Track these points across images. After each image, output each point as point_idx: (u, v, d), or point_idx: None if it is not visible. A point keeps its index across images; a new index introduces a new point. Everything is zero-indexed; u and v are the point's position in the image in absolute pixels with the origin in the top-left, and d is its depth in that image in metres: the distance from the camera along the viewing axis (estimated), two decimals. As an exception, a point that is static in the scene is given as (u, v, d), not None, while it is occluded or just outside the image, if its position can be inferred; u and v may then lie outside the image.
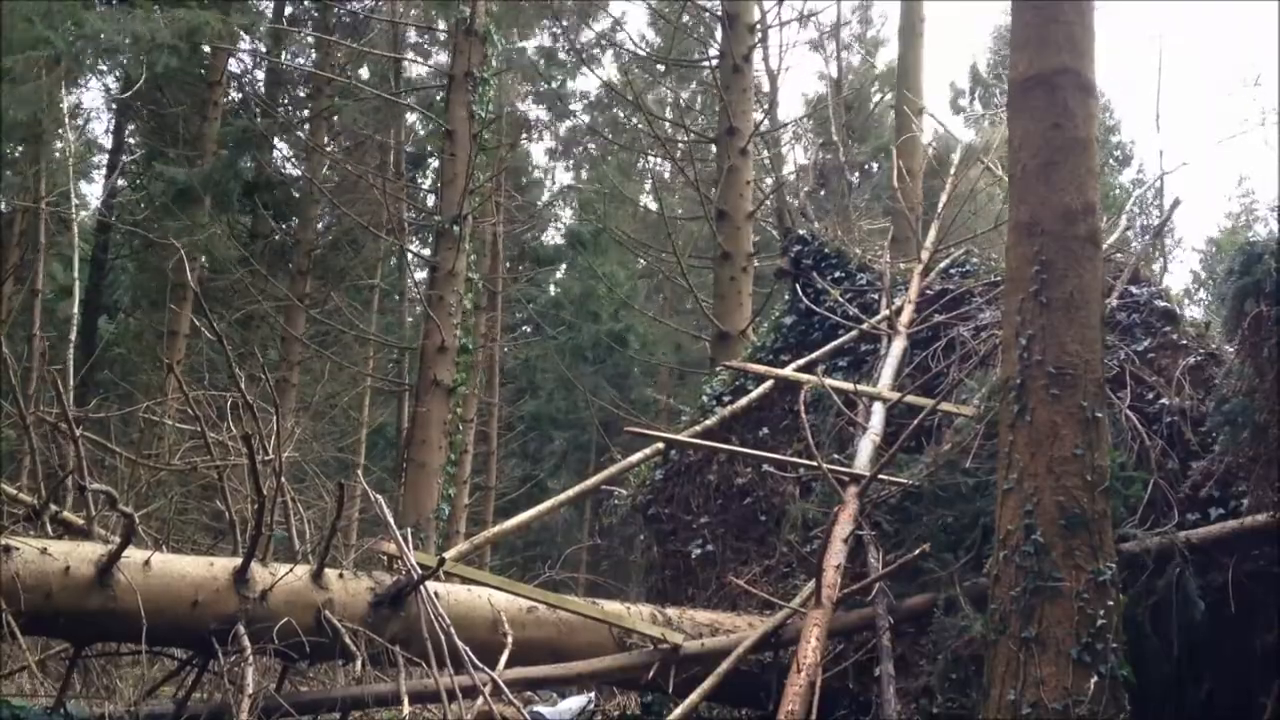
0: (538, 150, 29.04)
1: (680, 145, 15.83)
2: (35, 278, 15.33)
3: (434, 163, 20.11)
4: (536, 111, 25.44)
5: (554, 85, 23.24)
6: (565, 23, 20.07)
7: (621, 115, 24.13)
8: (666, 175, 24.00)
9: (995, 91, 28.20)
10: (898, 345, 7.46)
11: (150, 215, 16.96)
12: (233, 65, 19.53)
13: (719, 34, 13.26)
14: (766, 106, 15.84)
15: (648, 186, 26.37)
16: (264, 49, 19.22)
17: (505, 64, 15.51)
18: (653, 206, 21.52)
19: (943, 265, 8.36)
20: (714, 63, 13.17)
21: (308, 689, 5.67)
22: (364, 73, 20.47)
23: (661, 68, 20.90)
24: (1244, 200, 33.01)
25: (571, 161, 29.05)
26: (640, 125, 18.13)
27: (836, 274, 8.47)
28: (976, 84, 31.11)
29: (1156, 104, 16.86)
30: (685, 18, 17.29)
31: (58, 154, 17.06)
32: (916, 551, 5.40)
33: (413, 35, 20.34)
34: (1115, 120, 29.95)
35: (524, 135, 23.83)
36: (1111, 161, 28.32)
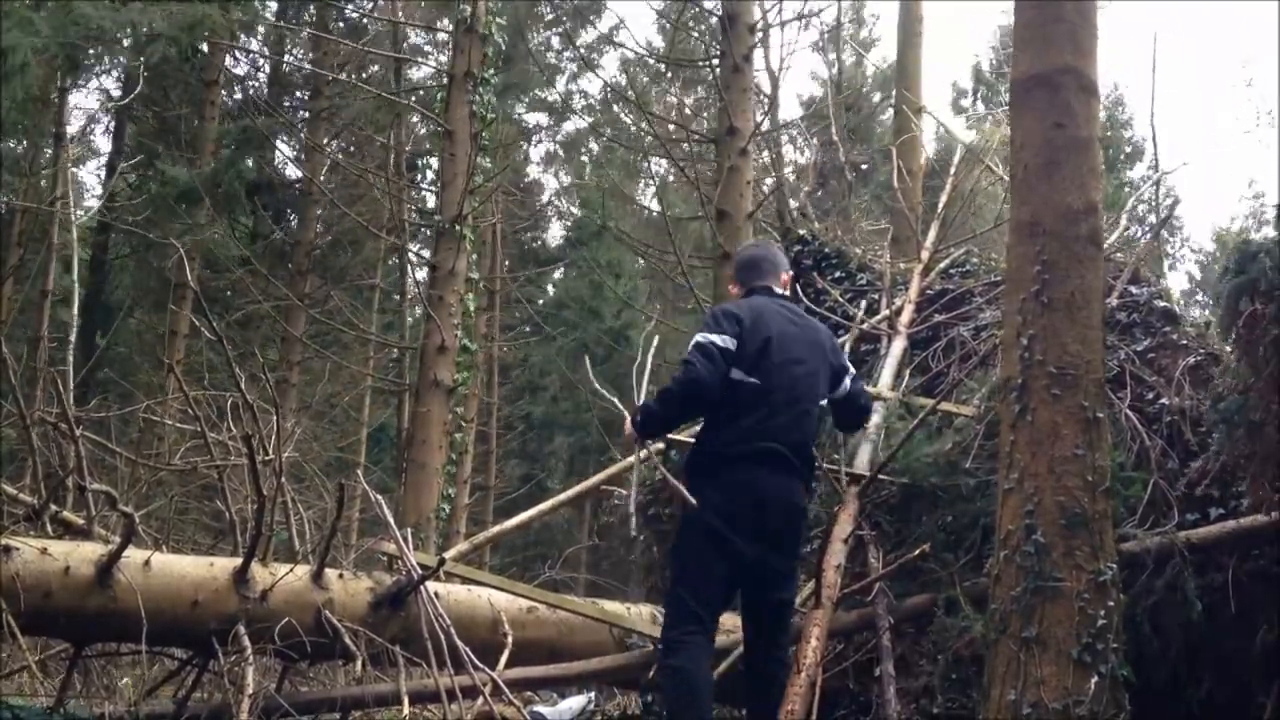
0: (536, 153, 29.04)
1: (682, 147, 15.81)
2: (45, 279, 15.31)
3: (433, 162, 20.08)
4: (537, 117, 25.40)
5: (555, 91, 23.16)
6: (566, 24, 19.95)
7: (625, 118, 24.09)
8: (669, 178, 23.96)
9: (999, 89, 28.07)
10: (898, 345, 7.45)
11: (150, 215, 16.96)
12: (234, 66, 19.52)
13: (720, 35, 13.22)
14: (766, 107, 15.81)
15: (647, 187, 26.35)
16: (265, 49, 19.19)
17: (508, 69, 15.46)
18: (654, 207, 21.50)
19: (943, 265, 8.36)
20: (715, 63, 13.15)
21: (308, 689, 5.68)
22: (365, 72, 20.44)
23: (667, 73, 20.84)
24: (1254, 203, 32.95)
25: (571, 161, 29.00)
26: (642, 128, 18.08)
27: (837, 274, 8.46)
28: (980, 84, 31.02)
29: (1151, 103, 16.75)
30: (692, 27, 17.25)
31: (47, 154, 17.06)
32: (917, 552, 5.39)
33: (417, 37, 20.29)
34: (1128, 115, 29.70)
35: (524, 142, 23.75)
36: (1122, 157, 28.08)
